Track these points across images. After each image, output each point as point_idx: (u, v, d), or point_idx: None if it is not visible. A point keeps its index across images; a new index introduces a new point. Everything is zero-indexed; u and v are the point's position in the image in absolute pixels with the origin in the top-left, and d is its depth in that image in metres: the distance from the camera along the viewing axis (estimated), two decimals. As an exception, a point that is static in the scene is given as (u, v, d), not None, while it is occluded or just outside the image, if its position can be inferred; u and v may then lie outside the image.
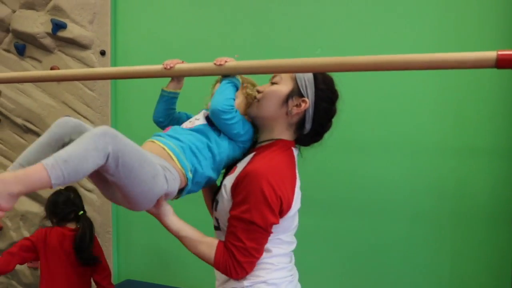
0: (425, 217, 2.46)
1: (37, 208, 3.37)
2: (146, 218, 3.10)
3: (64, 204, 2.74)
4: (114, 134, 1.18)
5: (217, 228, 1.65)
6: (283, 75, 1.57)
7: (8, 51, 3.39)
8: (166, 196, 1.45)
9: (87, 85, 3.13)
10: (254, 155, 1.57)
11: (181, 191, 1.52)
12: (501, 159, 2.34)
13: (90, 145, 1.13)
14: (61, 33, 3.10)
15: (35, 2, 3.18)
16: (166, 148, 1.46)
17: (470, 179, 2.39)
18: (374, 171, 2.51)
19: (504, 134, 2.32)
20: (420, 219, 2.47)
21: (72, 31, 3.09)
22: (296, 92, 1.56)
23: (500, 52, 1.28)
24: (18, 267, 3.43)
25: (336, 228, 2.63)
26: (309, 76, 1.57)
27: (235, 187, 1.49)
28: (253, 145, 1.67)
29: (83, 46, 3.11)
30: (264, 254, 1.54)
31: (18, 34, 3.28)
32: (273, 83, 1.59)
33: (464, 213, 2.41)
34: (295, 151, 1.64)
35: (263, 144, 1.62)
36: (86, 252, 2.68)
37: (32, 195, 3.37)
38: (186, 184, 1.49)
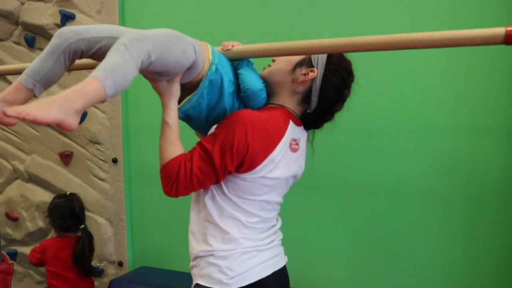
0: (437, 198, 2.46)
1: (52, 198, 3.40)
2: (160, 206, 3.16)
3: (69, 217, 2.90)
4: (140, 37, 1.25)
5: None
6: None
7: (18, 43, 3.41)
8: (190, 70, 1.46)
9: (97, 75, 3.14)
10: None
11: (195, 87, 1.51)
12: (511, 138, 2.33)
13: (125, 53, 1.19)
14: (70, 24, 3.11)
15: (43, -7, 3.20)
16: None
17: (481, 159, 2.38)
18: (384, 152, 2.51)
19: (515, 113, 2.31)
20: (432, 200, 2.46)
21: (81, 21, 3.10)
22: (307, 62, 1.57)
23: (508, 28, 1.27)
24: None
25: (348, 210, 2.63)
26: (323, 56, 1.57)
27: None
28: None
29: (92, 36, 3.12)
30: (217, 215, 1.54)
31: (27, 26, 3.30)
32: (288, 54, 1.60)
33: (476, 193, 2.40)
34: (293, 126, 1.60)
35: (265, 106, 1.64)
36: (85, 265, 2.85)
37: (46, 185, 3.41)
38: (204, 77, 1.49)
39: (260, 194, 1.56)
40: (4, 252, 3.47)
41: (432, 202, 2.47)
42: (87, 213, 3.27)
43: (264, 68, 1.67)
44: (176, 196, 1.50)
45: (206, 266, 1.54)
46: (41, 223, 3.47)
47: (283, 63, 1.61)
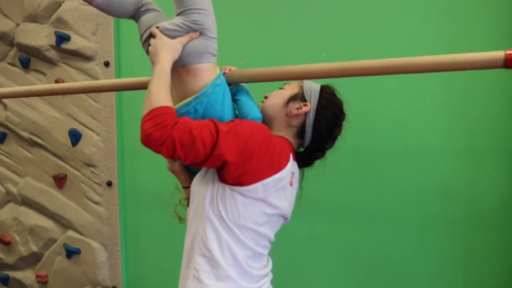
0: (436, 222, 2.43)
1: (45, 222, 3.35)
2: (155, 230, 3.11)
3: None
4: None
5: (187, 205, 1.65)
6: (291, 84, 1.59)
7: (13, 64, 3.39)
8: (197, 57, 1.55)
9: (92, 97, 3.12)
10: None
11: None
12: (511, 159, 2.31)
13: None
14: (65, 45, 3.10)
15: (38, 15, 3.18)
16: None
17: (480, 181, 2.37)
18: (382, 176, 2.49)
19: (514, 135, 2.30)
20: (432, 223, 2.44)
21: (76, 42, 3.08)
22: (300, 96, 1.59)
23: (508, 52, 1.26)
24: (27, 281, 3.43)
25: (347, 235, 2.60)
26: (316, 86, 1.60)
27: None
28: None
29: (87, 58, 3.10)
30: (213, 243, 1.48)
31: (22, 48, 3.28)
32: (281, 88, 1.62)
33: (476, 216, 2.38)
34: (292, 159, 1.59)
35: None
36: None
37: (39, 208, 3.36)
38: (208, 85, 1.54)
39: (259, 224, 1.52)
40: (-5, 277, 3.41)
41: (432, 226, 2.45)
42: (81, 237, 3.23)
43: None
44: (152, 144, 1.38)
45: None
46: (34, 247, 3.41)
47: (277, 98, 1.63)
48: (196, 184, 1.57)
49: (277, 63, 1.59)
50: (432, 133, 2.41)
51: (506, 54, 1.27)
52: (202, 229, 1.50)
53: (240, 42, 2.77)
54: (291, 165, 1.57)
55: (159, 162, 3.04)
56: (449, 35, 2.36)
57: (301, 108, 1.57)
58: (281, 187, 1.52)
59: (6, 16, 3.32)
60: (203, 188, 1.51)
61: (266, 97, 1.67)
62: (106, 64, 3.06)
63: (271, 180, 1.46)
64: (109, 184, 3.14)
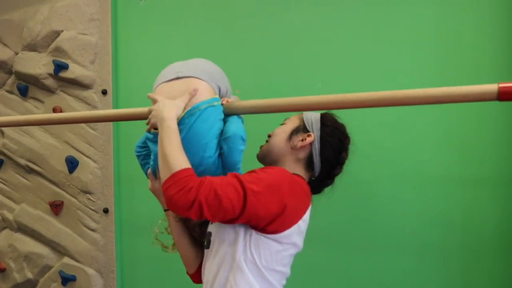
0: (433, 250, 2.43)
1: (41, 249, 3.34)
2: (151, 257, 3.11)
3: None
4: None
5: (206, 246, 1.63)
6: (291, 117, 1.60)
7: (11, 92, 3.41)
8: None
9: (89, 125, 3.14)
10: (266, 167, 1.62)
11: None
12: (507, 187, 2.33)
13: None
14: (63, 74, 3.12)
15: (37, 44, 3.21)
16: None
17: (476, 209, 2.38)
18: (379, 204, 2.49)
19: (509, 163, 2.31)
20: (428, 251, 2.44)
21: (74, 71, 3.11)
22: (302, 129, 1.61)
23: (501, 85, 1.29)
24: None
25: (342, 262, 2.60)
26: (316, 115, 1.62)
27: None
28: None
29: (84, 86, 3.13)
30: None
31: (20, 76, 3.31)
32: (282, 124, 1.64)
33: (473, 244, 2.39)
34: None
35: None
36: None
37: (35, 235, 3.35)
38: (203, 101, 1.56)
39: (285, 265, 1.58)
40: (-10, 305, 3.38)
41: (428, 253, 2.45)
42: (77, 264, 3.22)
43: (261, 147, 1.69)
44: (179, 209, 1.38)
45: None
46: (29, 274, 3.39)
47: (280, 134, 1.64)
48: (223, 229, 1.55)
49: (273, 92, 1.63)
50: (428, 161, 2.42)
51: (499, 87, 1.29)
52: (232, 278, 1.50)
53: (236, 71, 2.79)
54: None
55: (156, 189, 3.06)
56: (442, 67, 2.39)
57: (305, 139, 1.60)
58: (304, 228, 1.58)
59: (5, 44, 3.36)
60: (234, 236, 1.51)
61: (269, 136, 1.69)
62: (104, 92, 3.09)
63: (301, 222, 1.53)
64: (106, 211, 3.14)
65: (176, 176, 1.37)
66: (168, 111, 1.51)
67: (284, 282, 1.62)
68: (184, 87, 1.58)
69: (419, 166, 2.44)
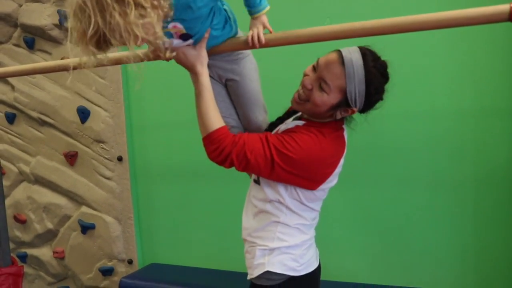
0: (445, 181, 2.45)
1: (59, 200, 3.41)
2: (167, 202, 3.15)
3: None
4: None
5: (256, 181, 1.70)
6: (332, 84, 1.51)
7: (17, 45, 3.40)
8: None
9: (98, 73, 3.13)
10: (305, 125, 1.62)
11: None
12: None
13: None
14: (69, 23, 3.10)
15: (40, -5, 3.19)
16: None
17: (487, 140, 2.37)
18: (392, 139, 2.49)
19: (522, 92, 2.29)
20: (440, 183, 2.45)
21: (79, 20, 3.08)
22: (344, 104, 1.54)
23: (513, 5, 1.26)
24: (45, 257, 3.49)
25: (357, 199, 2.62)
26: (361, 89, 1.51)
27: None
28: (302, 116, 1.71)
29: (91, 35, 3.10)
30: (296, 219, 1.64)
31: (26, 28, 3.29)
32: (322, 89, 1.53)
33: (484, 175, 2.39)
34: (345, 133, 1.69)
35: (314, 120, 1.64)
36: None
37: (52, 186, 3.41)
38: None
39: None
40: (13, 255, 3.48)
41: (440, 186, 2.47)
42: (94, 212, 3.28)
43: (296, 97, 1.62)
44: (217, 162, 1.56)
45: (278, 254, 1.64)
46: (49, 224, 3.48)
47: (320, 106, 1.56)
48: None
49: (283, 28, 1.57)
50: (438, 93, 2.40)
51: (511, 7, 1.26)
52: (281, 207, 1.64)
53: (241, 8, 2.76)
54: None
55: (168, 135, 3.08)
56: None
57: (347, 111, 1.58)
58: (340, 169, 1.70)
59: (8, -3, 3.33)
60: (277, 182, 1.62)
61: (304, 87, 1.58)
62: (110, 39, 3.06)
63: (336, 170, 1.66)
64: (120, 159, 3.17)
65: (212, 136, 1.53)
66: (200, 64, 1.55)
67: (317, 208, 1.74)
68: None
69: (429, 98, 2.43)
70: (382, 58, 1.57)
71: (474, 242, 2.46)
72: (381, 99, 1.60)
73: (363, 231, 2.66)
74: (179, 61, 1.56)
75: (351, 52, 1.51)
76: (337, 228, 2.68)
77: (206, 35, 1.53)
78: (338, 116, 1.59)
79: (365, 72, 1.50)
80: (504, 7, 1.27)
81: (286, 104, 1.75)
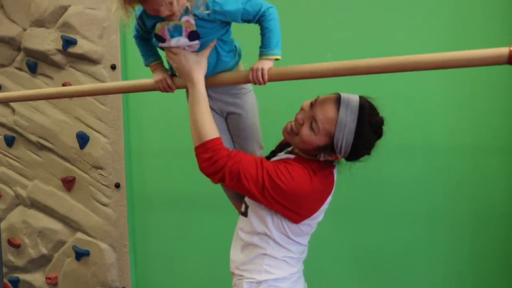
0: (443, 218, 2.44)
1: (54, 225, 3.38)
2: (163, 231, 3.13)
3: None
4: None
5: (243, 214, 1.72)
6: (322, 126, 1.52)
7: (20, 69, 3.42)
8: None
9: (98, 100, 3.15)
10: (295, 159, 1.63)
11: None
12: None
13: None
14: (72, 49, 3.12)
15: (45, 20, 3.20)
16: None
17: (486, 178, 2.38)
18: (390, 173, 2.49)
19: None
20: (438, 220, 2.45)
21: (82, 46, 3.11)
22: (329, 148, 1.55)
23: (512, 48, 1.27)
24: (38, 283, 3.45)
25: (353, 233, 2.61)
26: (349, 139, 1.52)
27: None
28: (293, 151, 1.74)
29: (93, 61, 3.13)
30: (283, 252, 1.65)
31: (29, 52, 3.31)
32: (311, 128, 1.55)
33: (482, 212, 2.39)
34: (335, 171, 1.70)
35: (303, 156, 1.66)
36: None
37: (48, 211, 3.39)
38: None
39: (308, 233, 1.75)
40: (5, 280, 3.43)
41: (438, 222, 2.47)
42: (90, 238, 3.25)
43: (288, 127, 1.66)
44: (206, 174, 1.55)
45: (266, 287, 1.65)
46: (43, 250, 3.44)
47: (306, 143, 1.58)
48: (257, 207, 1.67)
49: (282, 63, 1.58)
50: (438, 130, 2.42)
51: (510, 51, 1.27)
52: (267, 241, 1.66)
53: (244, 40, 2.78)
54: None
55: (167, 163, 3.08)
56: (453, 32, 2.36)
57: (331, 156, 1.59)
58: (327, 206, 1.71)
59: (13, 21, 3.35)
60: (266, 211, 1.63)
61: (297, 120, 1.61)
62: (113, 67, 3.08)
63: (323, 207, 1.67)
64: (117, 186, 3.16)
65: (207, 145, 1.51)
66: (197, 72, 1.55)
67: (304, 243, 1.75)
68: None
69: (429, 135, 2.44)
70: (380, 114, 1.61)
71: (472, 279, 2.44)
72: (368, 154, 1.61)
73: (358, 266, 2.64)
74: (179, 64, 1.56)
75: (350, 101, 1.52)
76: (331, 263, 2.66)
77: (212, 44, 1.54)
78: (322, 158, 1.60)
79: (358, 124, 1.51)
80: (503, 50, 1.28)
81: (280, 137, 1.77)
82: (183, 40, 1.52)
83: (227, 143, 1.75)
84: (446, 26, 2.38)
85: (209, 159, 1.50)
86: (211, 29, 1.52)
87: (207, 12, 1.44)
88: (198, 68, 1.55)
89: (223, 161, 1.49)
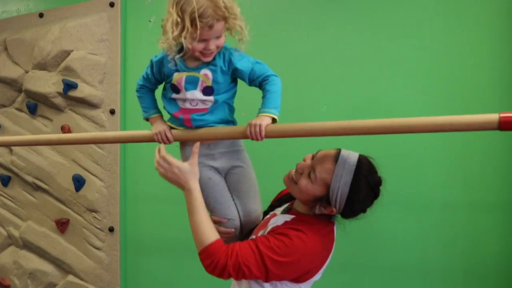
0: (436, 273, 2.43)
1: (45, 267, 3.36)
2: (155, 276, 3.11)
3: None
4: None
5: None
6: (319, 175, 1.54)
7: (20, 110, 3.46)
8: None
9: (96, 144, 3.17)
10: (294, 221, 1.62)
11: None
12: (510, 214, 2.34)
13: None
14: (72, 93, 3.16)
15: (47, 63, 3.26)
16: None
17: (480, 234, 2.38)
18: (383, 229, 2.50)
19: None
20: (431, 275, 2.44)
21: (83, 90, 3.15)
22: (325, 199, 1.57)
23: (502, 115, 1.29)
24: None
25: (346, 287, 2.60)
26: (344, 191, 1.54)
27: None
28: (291, 208, 1.74)
29: (93, 105, 3.17)
30: None
31: (30, 94, 3.35)
32: (309, 177, 1.58)
33: (475, 268, 2.38)
34: (335, 227, 1.69)
35: (302, 213, 1.66)
36: None
37: (40, 252, 3.37)
38: None
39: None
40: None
41: (431, 277, 2.45)
42: (81, 282, 3.22)
43: (289, 176, 1.67)
44: (213, 274, 1.54)
45: None
46: (33, 292, 3.41)
47: (304, 193, 1.60)
48: None
49: (280, 116, 1.61)
50: (430, 185, 2.43)
51: (500, 117, 1.30)
52: None
53: (240, 93, 2.82)
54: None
55: (162, 208, 3.08)
56: (445, 97, 2.41)
57: (326, 209, 1.59)
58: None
59: (16, 63, 3.41)
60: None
61: (297, 170, 1.65)
62: (112, 112, 3.12)
63: (323, 268, 1.64)
64: (111, 230, 3.16)
65: (207, 250, 1.52)
66: (194, 181, 1.60)
67: None
68: None
69: (423, 193, 2.45)
70: (379, 174, 1.61)
71: None
72: (364, 211, 1.62)
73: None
74: (173, 175, 1.61)
75: (350, 155, 1.55)
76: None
77: (195, 149, 1.62)
78: (317, 210, 1.60)
79: (354, 177, 1.53)
80: (493, 117, 1.31)
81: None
82: (197, 94, 1.57)
83: (228, 203, 1.76)
84: (438, 91, 2.41)
85: (210, 263, 1.51)
86: (224, 85, 1.59)
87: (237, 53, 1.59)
88: (193, 177, 1.60)
89: (223, 262, 1.50)
